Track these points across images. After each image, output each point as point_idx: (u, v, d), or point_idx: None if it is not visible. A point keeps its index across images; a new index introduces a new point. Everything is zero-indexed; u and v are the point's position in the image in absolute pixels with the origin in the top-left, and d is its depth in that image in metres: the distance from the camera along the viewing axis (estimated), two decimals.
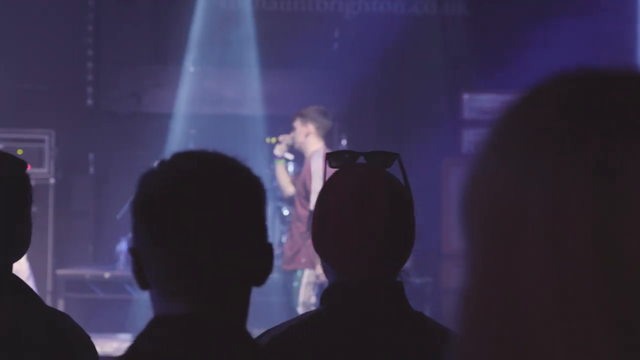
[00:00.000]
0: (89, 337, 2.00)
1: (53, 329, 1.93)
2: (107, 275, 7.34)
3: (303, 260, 5.89)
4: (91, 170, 8.26)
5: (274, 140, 6.12)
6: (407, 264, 1.92)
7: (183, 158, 1.35)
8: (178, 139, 7.99)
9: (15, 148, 7.54)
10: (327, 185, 1.91)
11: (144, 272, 1.32)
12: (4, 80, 8.29)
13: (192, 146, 7.71)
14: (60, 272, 7.40)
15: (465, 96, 8.06)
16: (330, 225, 1.84)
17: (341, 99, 8.30)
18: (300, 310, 5.76)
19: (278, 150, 6.35)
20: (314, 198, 5.72)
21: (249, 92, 8.46)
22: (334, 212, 1.84)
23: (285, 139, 6.30)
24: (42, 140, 7.70)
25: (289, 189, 6.29)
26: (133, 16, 8.65)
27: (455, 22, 8.39)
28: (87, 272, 7.34)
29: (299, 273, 5.92)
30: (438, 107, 8.41)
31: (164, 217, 1.29)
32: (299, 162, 6.70)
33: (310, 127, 6.08)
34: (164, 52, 8.72)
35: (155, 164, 1.35)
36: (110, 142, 8.33)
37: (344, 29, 8.09)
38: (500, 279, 0.64)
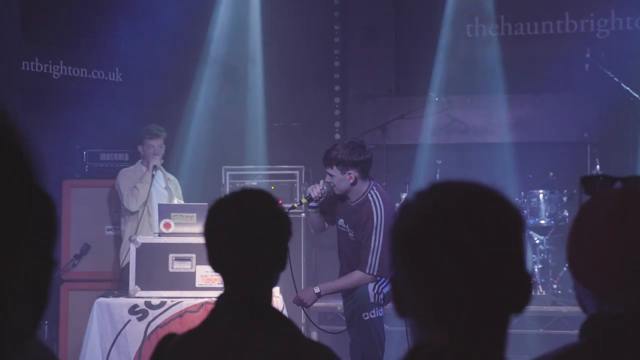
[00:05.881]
0: None
1: None
2: None
3: None
4: None
5: (304, 200, 5.38)
6: None
7: (444, 189, 1.34)
8: (424, 169, 7.92)
9: (269, 184, 7.81)
10: (584, 208, 1.76)
11: (404, 300, 1.34)
12: (257, 120, 8.63)
13: (438, 176, 7.63)
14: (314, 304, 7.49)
15: None
16: (589, 248, 1.68)
17: (594, 123, 7.90)
18: None
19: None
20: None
21: (496, 119, 8.25)
22: (593, 232, 1.68)
23: (317, 190, 5.31)
24: (294, 176, 7.90)
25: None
26: (377, 49, 8.73)
27: None
28: (338, 304, 7.40)
29: None
30: None
31: (425, 248, 1.29)
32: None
33: (354, 174, 5.15)
34: (408, 83, 8.72)
35: (413, 195, 1.35)
36: None
37: (596, 49, 7.67)
38: None
